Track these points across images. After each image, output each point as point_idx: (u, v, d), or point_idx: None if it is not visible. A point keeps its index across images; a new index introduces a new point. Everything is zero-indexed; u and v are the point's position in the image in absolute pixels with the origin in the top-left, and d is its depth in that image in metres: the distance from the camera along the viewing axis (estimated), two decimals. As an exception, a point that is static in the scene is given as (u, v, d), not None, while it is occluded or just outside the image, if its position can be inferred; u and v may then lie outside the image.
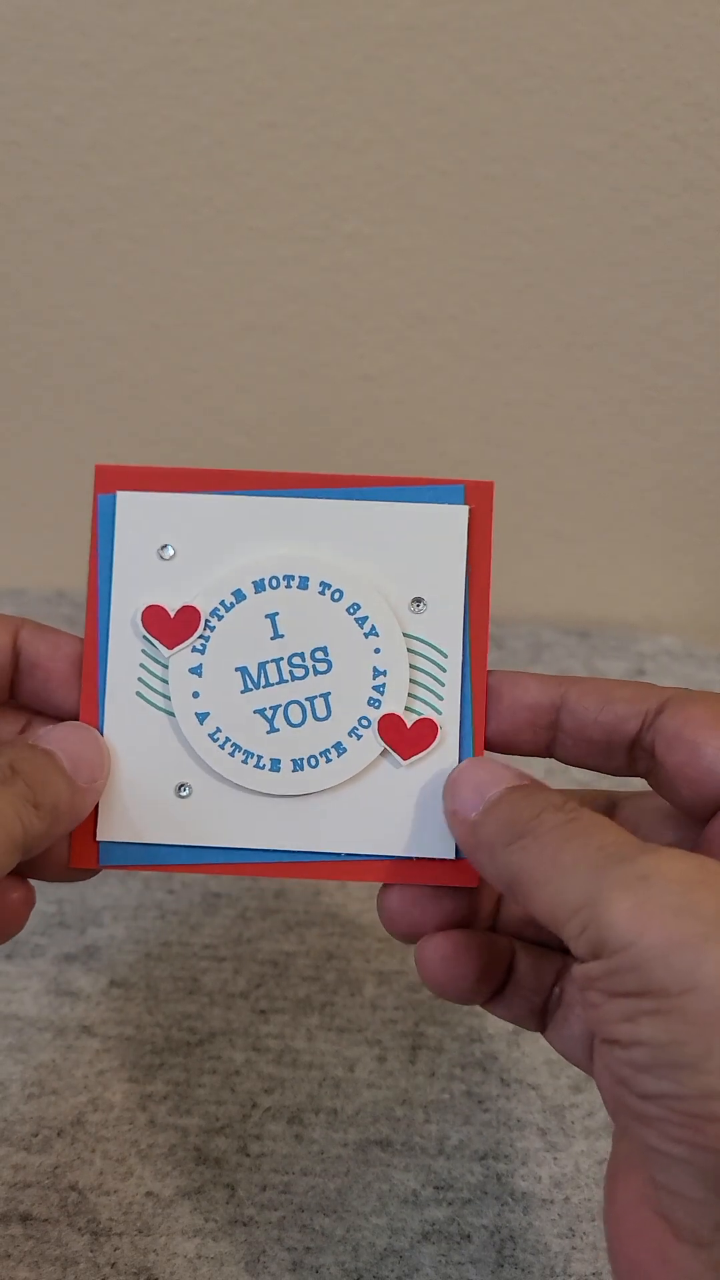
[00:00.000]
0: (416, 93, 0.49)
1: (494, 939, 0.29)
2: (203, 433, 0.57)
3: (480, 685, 0.29)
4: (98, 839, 0.29)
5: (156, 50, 0.48)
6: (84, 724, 0.29)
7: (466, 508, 0.29)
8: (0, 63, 0.48)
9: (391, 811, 0.29)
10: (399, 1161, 0.35)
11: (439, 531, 0.29)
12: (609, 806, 0.30)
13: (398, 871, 0.29)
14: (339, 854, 0.29)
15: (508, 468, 0.58)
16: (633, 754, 0.28)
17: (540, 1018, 0.30)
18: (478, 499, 0.29)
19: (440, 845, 0.29)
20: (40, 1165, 0.34)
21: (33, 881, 0.29)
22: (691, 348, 0.54)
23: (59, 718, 0.30)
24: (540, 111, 0.49)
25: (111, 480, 0.30)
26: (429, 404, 0.56)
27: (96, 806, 0.29)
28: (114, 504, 0.29)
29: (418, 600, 0.29)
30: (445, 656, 0.29)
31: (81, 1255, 0.32)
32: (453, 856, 0.29)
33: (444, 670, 0.29)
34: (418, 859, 0.29)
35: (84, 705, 0.29)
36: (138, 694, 0.29)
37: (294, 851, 0.29)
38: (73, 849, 0.29)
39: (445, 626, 0.29)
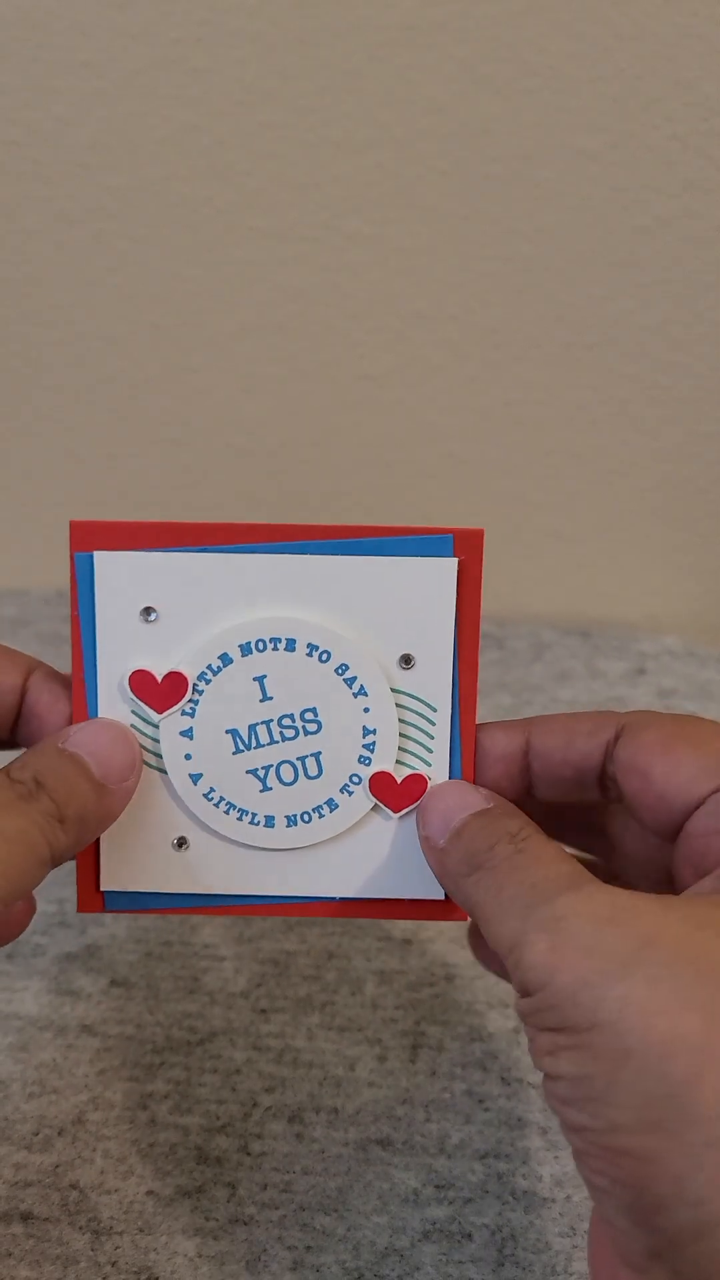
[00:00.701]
0: (417, 93, 0.49)
1: None
2: (203, 432, 0.57)
3: (469, 737, 0.29)
4: (102, 889, 0.30)
5: (156, 50, 0.48)
6: (113, 721, 0.29)
7: (455, 560, 0.29)
8: (0, 62, 0.48)
9: (384, 859, 0.30)
10: (400, 1160, 0.35)
11: (428, 586, 0.29)
12: (604, 811, 0.31)
13: (390, 909, 0.30)
14: (332, 897, 0.30)
15: (508, 467, 0.58)
16: (604, 784, 0.28)
17: None
18: (467, 549, 0.29)
19: (430, 888, 0.30)
20: (41, 1164, 0.34)
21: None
22: (692, 347, 0.54)
23: None
24: (540, 111, 0.49)
25: (88, 537, 0.29)
26: (429, 404, 0.56)
27: (99, 855, 0.30)
28: (91, 563, 0.29)
29: (407, 658, 0.29)
30: (434, 711, 0.29)
31: (82, 1254, 0.32)
32: (443, 897, 0.30)
33: (433, 724, 0.29)
34: (409, 900, 0.30)
35: None
36: None
37: (291, 896, 0.30)
38: (80, 895, 0.30)
39: (434, 681, 0.29)
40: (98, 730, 0.28)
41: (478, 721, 0.30)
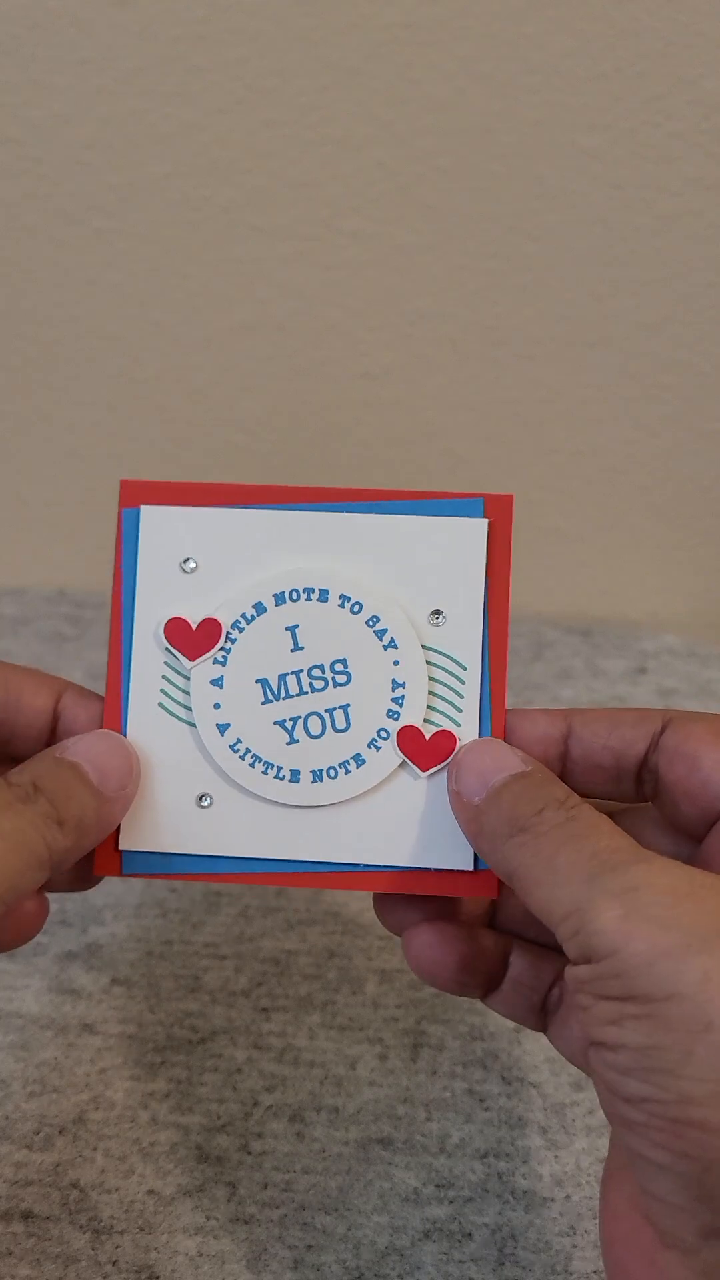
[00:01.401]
0: (417, 90, 0.48)
1: (480, 934, 0.30)
2: (204, 431, 0.57)
3: (499, 697, 0.29)
4: (119, 848, 0.29)
5: (157, 48, 0.48)
6: (110, 731, 0.29)
7: (486, 521, 0.29)
8: (1, 60, 0.48)
9: (410, 822, 0.29)
10: (400, 1160, 0.35)
11: (458, 545, 0.29)
12: (623, 815, 0.30)
13: (417, 883, 0.29)
14: (357, 865, 0.29)
15: (509, 465, 0.58)
16: (640, 777, 0.28)
17: (540, 1016, 0.30)
18: (497, 512, 0.29)
19: (459, 856, 0.29)
20: (42, 1163, 0.34)
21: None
22: (693, 345, 0.54)
23: None
24: (541, 109, 0.49)
25: (135, 495, 0.30)
26: (430, 402, 0.56)
27: None
28: (138, 518, 0.30)
29: (437, 613, 0.29)
30: (464, 669, 0.29)
31: (83, 1253, 0.32)
32: (471, 868, 0.29)
33: (463, 683, 0.29)
34: (436, 871, 0.29)
35: (107, 716, 0.29)
36: (160, 705, 0.29)
37: (313, 862, 0.29)
38: (96, 857, 0.29)
39: (464, 639, 0.29)
40: (94, 739, 0.28)
41: (514, 707, 0.29)
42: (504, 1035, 0.39)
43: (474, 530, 0.29)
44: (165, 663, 0.29)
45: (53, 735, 0.30)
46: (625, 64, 0.48)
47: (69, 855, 0.26)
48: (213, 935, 0.42)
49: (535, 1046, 0.38)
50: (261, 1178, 0.34)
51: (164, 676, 0.29)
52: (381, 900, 0.30)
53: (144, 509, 0.30)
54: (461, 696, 0.29)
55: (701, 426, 0.57)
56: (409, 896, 0.29)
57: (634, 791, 0.29)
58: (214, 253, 0.52)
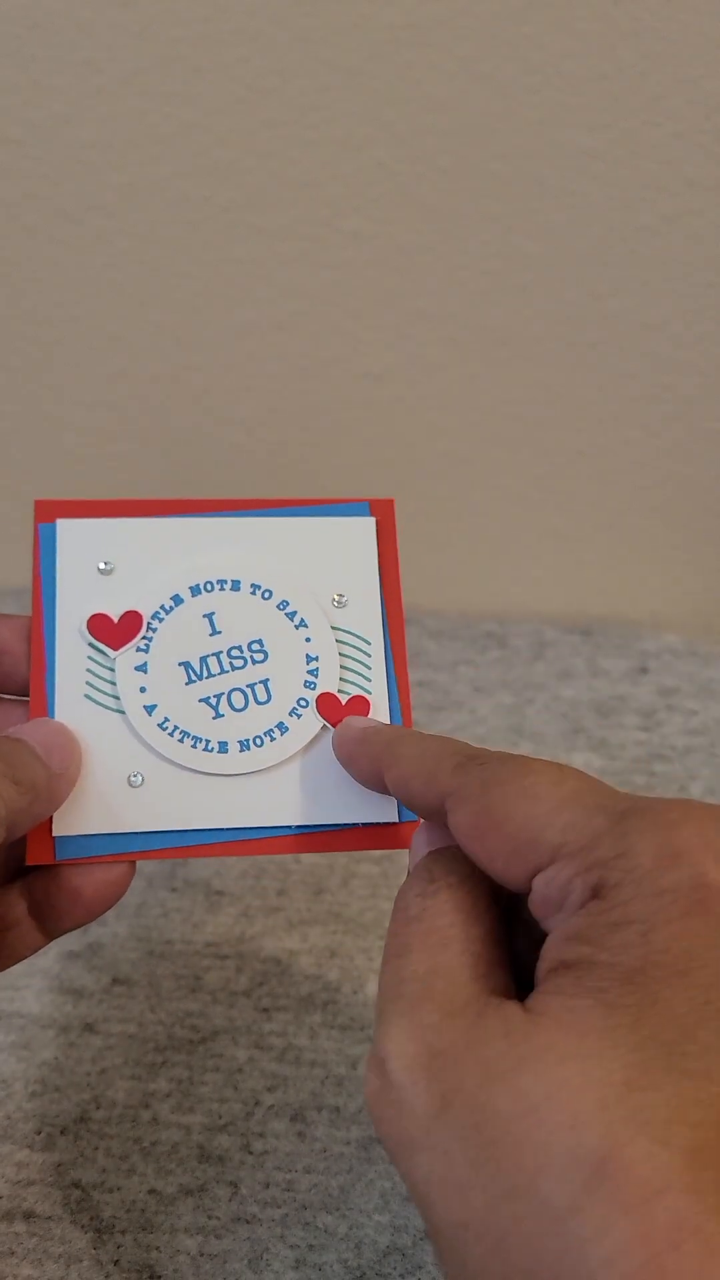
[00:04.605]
0: (418, 90, 0.49)
1: None
2: (204, 431, 0.57)
3: (401, 665, 0.32)
4: (53, 834, 0.30)
5: (157, 48, 0.48)
6: (50, 719, 0.30)
7: (374, 519, 0.33)
8: (1, 60, 0.48)
9: (336, 781, 0.31)
10: (402, 1159, 0.35)
11: (352, 539, 0.33)
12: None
13: (344, 840, 0.31)
14: (289, 827, 0.30)
15: (509, 465, 0.58)
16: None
17: None
18: (382, 512, 0.33)
19: (384, 810, 0.31)
20: (44, 1163, 0.34)
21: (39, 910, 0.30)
22: (694, 345, 0.54)
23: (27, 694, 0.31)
24: (542, 109, 0.49)
25: (51, 511, 0.32)
26: (430, 402, 0.56)
27: None
28: (54, 531, 0.32)
29: (339, 596, 0.32)
30: (368, 644, 0.32)
31: (85, 1253, 0.32)
32: (397, 820, 0.31)
33: (369, 655, 0.32)
34: (364, 827, 0.31)
35: (33, 711, 0.30)
36: (86, 696, 0.31)
37: (246, 829, 0.30)
38: (29, 847, 0.29)
39: (366, 618, 0.32)
40: (37, 724, 0.29)
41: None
42: (505, 1035, 0.39)
43: (364, 527, 0.33)
44: (89, 656, 0.31)
45: None
46: (625, 64, 0.48)
47: (23, 817, 0.27)
48: (214, 935, 0.42)
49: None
50: (263, 1177, 0.34)
51: (88, 670, 0.31)
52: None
53: (60, 522, 0.32)
54: (369, 668, 0.32)
55: (702, 426, 0.57)
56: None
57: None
58: (214, 253, 0.52)
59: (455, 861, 0.24)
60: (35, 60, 0.48)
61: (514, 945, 0.25)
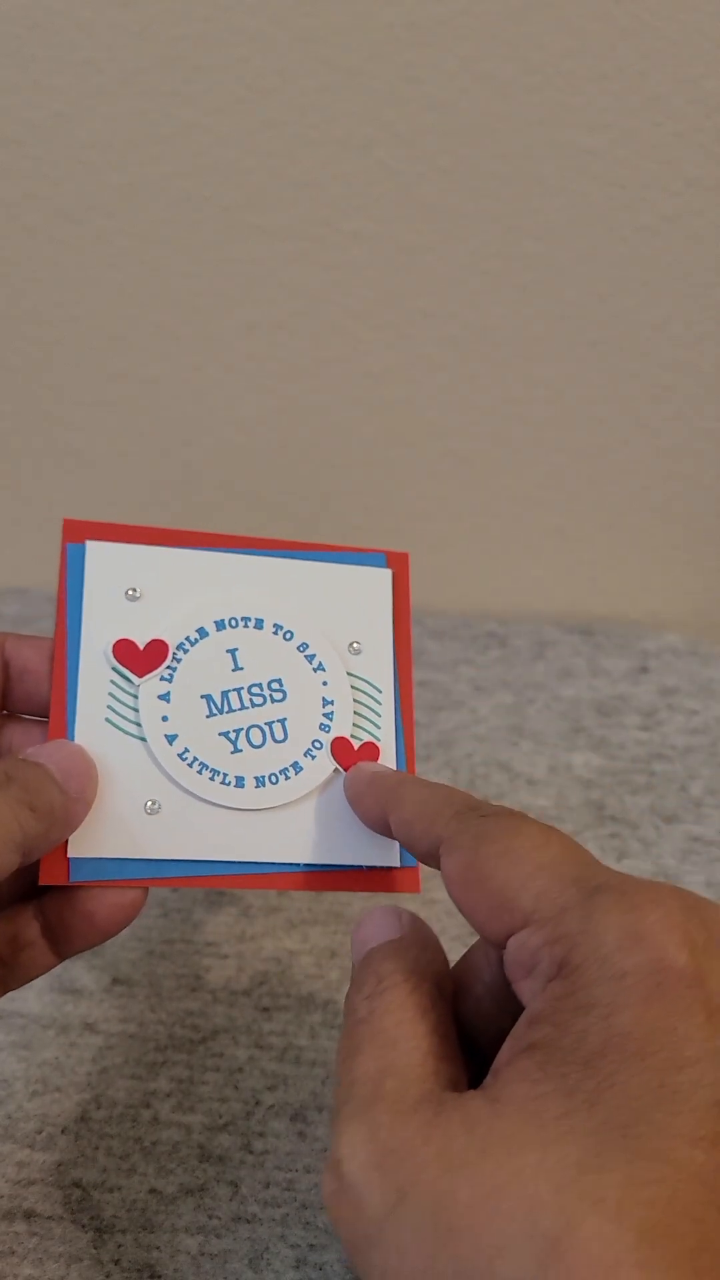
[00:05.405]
0: (419, 90, 0.49)
1: None
2: (205, 430, 0.57)
3: (408, 715, 0.33)
4: (68, 855, 0.30)
5: (158, 48, 0.48)
6: (69, 741, 0.30)
7: (390, 571, 0.34)
8: (1, 60, 0.48)
9: (344, 823, 0.31)
10: (402, 1158, 0.35)
11: (369, 589, 0.34)
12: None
13: (349, 880, 0.31)
14: (296, 864, 0.31)
15: (510, 464, 0.58)
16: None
17: None
18: (398, 565, 0.34)
19: (387, 855, 0.31)
20: (44, 1162, 0.34)
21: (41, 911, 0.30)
22: (694, 345, 0.54)
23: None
24: (542, 109, 0.49)
25: (79, 532, 0.32)
26: (431, 401, 0.56)
27: None
28: (83, 552, 0.32)
29: (355, 644, 0.33)
30: (380, 691, 0.33)
31: (85, 1252, 0.32)
32: (398, 864, 0.32)
33: (379, 704, 0.33)
34: (366, 870, 0.31)
35: (53, 732, 0.30)
36: (107, 720, 0.31)
37: (255, 863, 0.31)
38: (42, 867, 0.29)
39: (379, 666, 0.33)
40: (55, 746, 0.29)
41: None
42: (506, 1034, 0.39)
43: (381, 578, 0.34)
44: (112, 680, 0.31)
45: (6, 681, 0.31)
46: (625, 64, 0.48)
47: (39, 842, 0.27)
48: (214, 934, 0.42)
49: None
50: (263, 1177, 0.34)
51: (110, 694, 0.31)
52: None
53: (89, 544, 0.32)
54: (379, 715, 0.33)
55: (703, 426, 0.57)
56: None
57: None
58: (215, 253, 0.52)
59: (398, 959, 0.25)
60: (35, 60, 0.48)
61: (465, 1026, 0.25)
